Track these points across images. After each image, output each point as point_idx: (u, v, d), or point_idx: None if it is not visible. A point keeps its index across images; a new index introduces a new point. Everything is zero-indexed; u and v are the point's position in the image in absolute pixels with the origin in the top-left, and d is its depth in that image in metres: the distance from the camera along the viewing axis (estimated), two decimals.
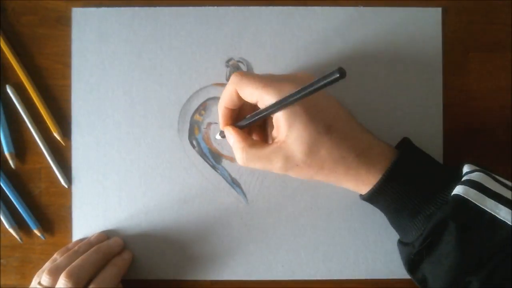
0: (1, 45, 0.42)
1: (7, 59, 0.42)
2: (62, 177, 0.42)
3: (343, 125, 0.34)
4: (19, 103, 0.42)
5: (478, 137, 0.42)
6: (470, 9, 0.42)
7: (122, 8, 0.42)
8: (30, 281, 0.38)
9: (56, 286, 0.35)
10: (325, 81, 0.28)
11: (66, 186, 0.42)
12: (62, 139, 0.42)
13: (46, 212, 0.43)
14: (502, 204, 0.31)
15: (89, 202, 0.42)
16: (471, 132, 0.42)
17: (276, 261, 0.42)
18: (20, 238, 0.42)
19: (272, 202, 0.42)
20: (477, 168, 0.34)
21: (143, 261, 0.42)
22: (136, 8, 0.42)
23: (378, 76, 0.42)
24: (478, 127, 0.42)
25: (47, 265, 0.39)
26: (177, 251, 0.42)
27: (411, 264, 0.35)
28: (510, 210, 0.31)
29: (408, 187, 0.34)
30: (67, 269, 0.36)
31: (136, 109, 0.42)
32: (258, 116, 0.34)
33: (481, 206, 0.31)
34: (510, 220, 0.31)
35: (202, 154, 0.42)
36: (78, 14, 0.42)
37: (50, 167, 0.42)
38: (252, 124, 0.36)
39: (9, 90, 0.42)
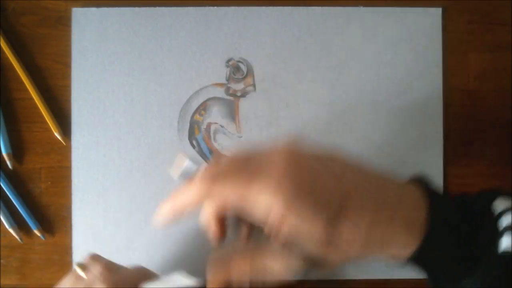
0: (1, 45, 0.42)
1: (7, 59, 0.42)
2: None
3: (359, 191, 0.26)
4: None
5: (478, 137, 0.42)
6: (470, 9, 0.42)
7: (122, 8, 0.42)
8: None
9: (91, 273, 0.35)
10: None
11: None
12: (63, 139, 0.42)
13: (46, 212, 0.43)
14: None
15: (89, 202, 0.42)
16: (471, 132, 0.42)
17: None
18: (20, 238, 0.42)
19: None
20: None
21: (143, 261, 0.42)
22: (136, 8, 0.42)
23: (378, 76, 0.42)
24: (478, 127, 0.42)
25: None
26: (177, 251, 0.42)
27: None
28: None
29: (449, 248, 0.28)
30: (104, 261, 0.36)
31: (136, 109, 0.42)
32: None
33: None
34: None
35: (202, 154, 0.42)
36: (78, 14, 0.42)
37: (50, 167, 0.42)
38: None
39: None
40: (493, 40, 0.42)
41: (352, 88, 0.42)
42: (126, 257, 0.42)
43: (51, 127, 0.42)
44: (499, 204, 0.28)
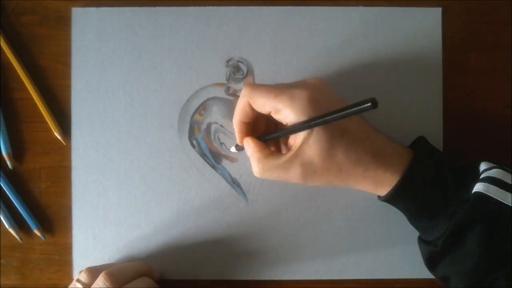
0: (1, 45, 0.42)
1: (7, 59, 0.42)
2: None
3: (357, 127, 0.34)
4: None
5: (478, 137, 0.42)
6: (470, 9, 0.42)
7: (122, 8, 0.42)
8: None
9: (94, 284, 0.36)
10: (356, 109, 0.28)
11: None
12: (63, 139, 0.42)
13: (46, 212, 0.43)
14: None
15: (89, 202, 0.42)
16: (471, 132, 0.42)
17: (276, 261, 0.42)
18: (20, 238, 0.42)
19: (272, 202, 0.42)
20: (494, 165, 0.34)
21: (143, 261, 0.42)
22: (136, 8, 0.42)
23: (378, 76, 0.42)
24: (478, 127, 0.42)
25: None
26: (176, 251, 0.42)
27: (432, 262, 0.35)
28: None
29: (428, 187, 0.34)
30: (108, 269, 0.36)
31: (136, 109, 0.42)
32: (283, 132, 0.35)
33: (503, 201, 0.31)
34: None
35: (202, 154, 0.42)
36: (78, 14, 0.42)
37: (50, 167, 0.42)
38: (276, 139, 0.36)
39: None
40: (493, 40, 0.42)
41: (351, 88, 0.42)
42: (126, 257, 0.42)
43: (51, 127, 0.42)
44: (484, 165, 0.35)
